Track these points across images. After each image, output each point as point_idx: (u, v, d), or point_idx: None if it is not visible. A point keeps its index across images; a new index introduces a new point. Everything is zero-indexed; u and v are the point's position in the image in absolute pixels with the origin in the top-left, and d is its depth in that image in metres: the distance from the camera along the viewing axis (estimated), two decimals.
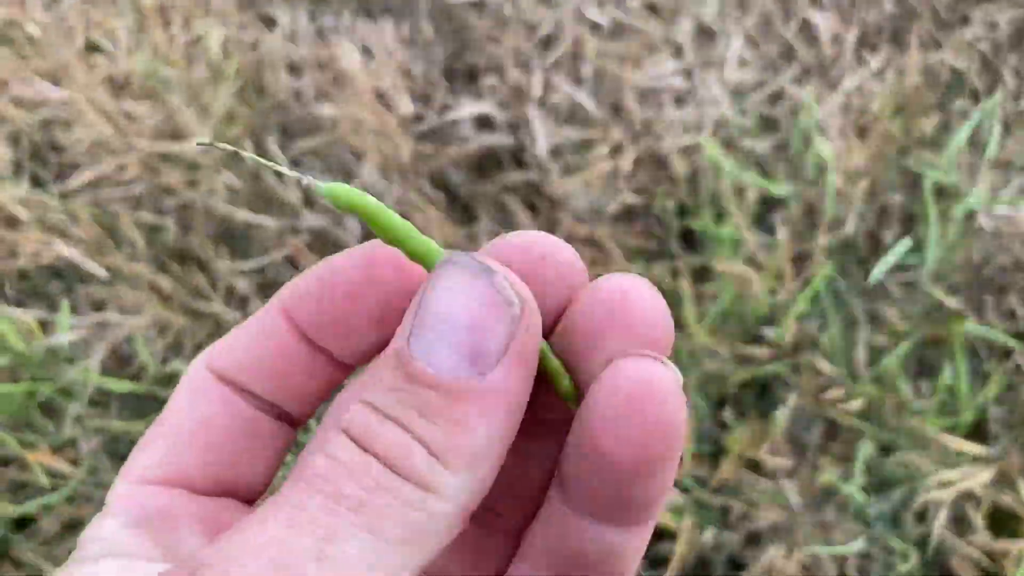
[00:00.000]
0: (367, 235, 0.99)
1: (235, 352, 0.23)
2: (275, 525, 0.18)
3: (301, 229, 0.89)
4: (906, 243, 0.79)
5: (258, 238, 0.93)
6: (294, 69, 1.17)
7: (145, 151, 1.06)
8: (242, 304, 0.93)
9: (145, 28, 1.17)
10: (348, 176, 0.99)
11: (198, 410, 0.23)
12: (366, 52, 1.15)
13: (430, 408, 0.18)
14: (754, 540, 0.90)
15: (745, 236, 0.76)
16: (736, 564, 0.93)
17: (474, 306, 0.18)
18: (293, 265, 0.88)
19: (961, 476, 0.81)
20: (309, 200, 0.95)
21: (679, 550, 0.75)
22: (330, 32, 1.20)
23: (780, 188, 0.81)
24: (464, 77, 1.23)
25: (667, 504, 0.75)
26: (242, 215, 0.91)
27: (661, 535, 0.90)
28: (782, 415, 0.76)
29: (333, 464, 0.18)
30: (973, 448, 0.83)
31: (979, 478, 0.81)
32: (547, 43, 1.12)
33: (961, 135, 0.90)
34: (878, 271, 0.76)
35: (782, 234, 0.92)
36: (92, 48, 1.17)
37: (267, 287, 0.99)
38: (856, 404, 0.81)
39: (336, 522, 0.17)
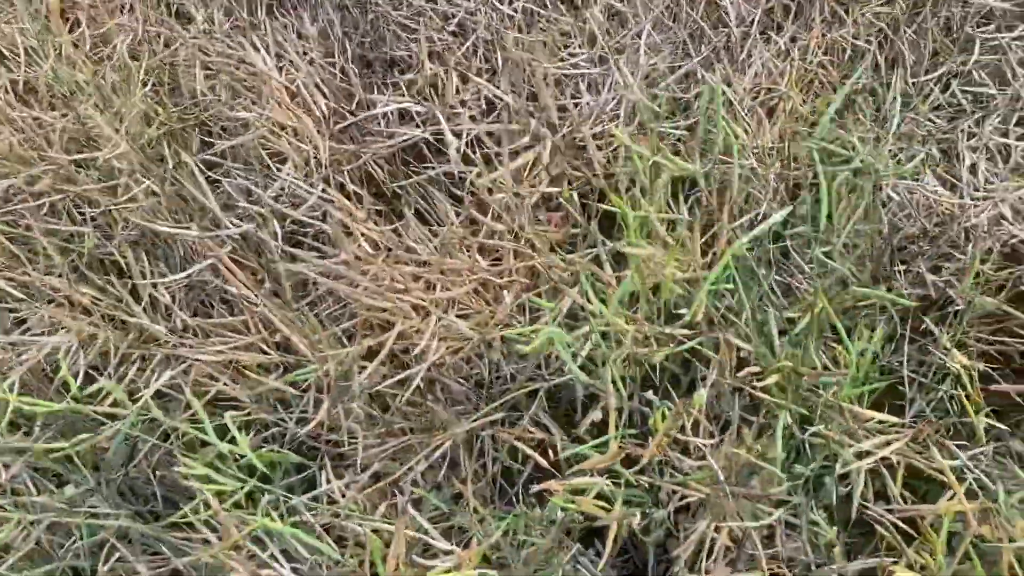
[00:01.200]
0: (295, 242, 0.99)
1: None
2: None
3: (224, 237, 0.88)
4: (785, 211, 0.82)
5: (181, 247, 0.92)
6: (210, 68, 1.15)
7: (59, 160, 1.04)
8: (167, 315, 0.92)
9: (49, 31, 1.13)
10: (269, 178, 0.98)
11: None
12: (281, 48, 1.14)
13: None
14: (684, 515, 0.94)
15: (652, 217, 0.78)
16: (669, 539, 0.97)
17: None
18: (216, 273, 0.88)
19: (877, 444, 0.85)
20: (231, 206, 0.95)
21: (611, 536, 0.78)
22: (246, 28, 1.18)
23: (689, 168, 0.83)
24: (383, 70, 1.22)
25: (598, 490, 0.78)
26: (164, 226, 0.90)
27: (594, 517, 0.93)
28: (702, 394, 0.79)
29: None
30: (886, 417, 0.87)
31: (894, 445, 0.85)
32: (461, 34, 1.12)
33: (832, 108, 0.93)
34: (751, 236, 0.79)
35: (689, 214, 0.94)
36: None
37: (192, 295, 0.98)
38: (772, 379, 0.84)
39: None
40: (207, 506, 0.77)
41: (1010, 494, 0.79)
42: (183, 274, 0.83)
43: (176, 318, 0.84)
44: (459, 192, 1.08)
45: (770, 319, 0.88)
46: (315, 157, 0.91)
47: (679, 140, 1.06)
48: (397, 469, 0.88)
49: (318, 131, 0.94)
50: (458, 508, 0.93)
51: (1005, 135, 1.09)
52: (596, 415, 0.79)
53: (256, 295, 0.80)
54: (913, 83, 1.17)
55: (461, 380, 1.01)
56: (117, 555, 0.98)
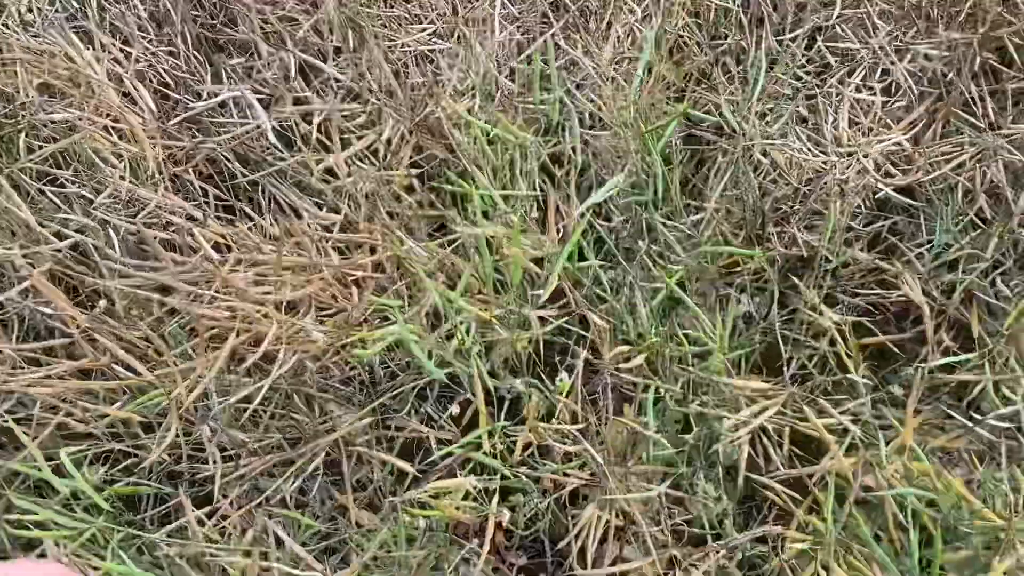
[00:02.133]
0: (135, 253, 0.91)
1: None
2: None
3: (46, 255, 0.80)
4: (617, 179, 0.80)
5: (12, 271, 0.83)
6: (31, 67, 1.05)
7: None
8: None
9: None
10: (99, 185, 0.90)
11: None
12: (116, 37, 1.04)
13: None
14: (571, 502, 0.92)
15: (494, 194, 0.74)
16: (560, 527, 0.94)
17: None
18: (33, 295, 0.80)
19: (753, 412, 0.84)
20: (56, 220, 0.86)
21: (488, 535, 0.74)
22: (67, 22, 1.08)
23: (526, 137, 0.79)
24: (237, 54, 1.14)
25: (461, 489, 0.74)
26: None
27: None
28: (564, 379, 0.76)
29: None
30: (757, 384, 0.86)
31: (767, 412, 0.84)
32: (307, 13, 1.05)
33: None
34: (585, 205, 0.76)
35: (555, 185, 0.91)
36: None
37: (30, 324, 0.90)
38: (638, 360, 0.81)
39: None
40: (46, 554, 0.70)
41: (889, 443, 0.79)
42: (4, 294, 0.75)
43: None
44: (318, 183, 1.01)
45: (637, 296, 0.86)
46: (143, 158, 0.84)
47: (541, 114, 1.02)
48: (268, 488, 0.83)
49: (146, 128, 0.86)
50: (342, 521, 0.88)
51: (870, 90, 1.09)
52: (454, 409, 0.75)
53: (84, 314, 0.73)
54: (779, 41, 1.16)
55: (334, 385, 0.96)
56: None
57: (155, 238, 0.83)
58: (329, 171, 0.95)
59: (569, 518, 0.91)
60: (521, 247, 0.72)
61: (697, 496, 0.87)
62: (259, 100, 0.91)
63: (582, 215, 0.78)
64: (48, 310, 0.72)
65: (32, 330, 0.90)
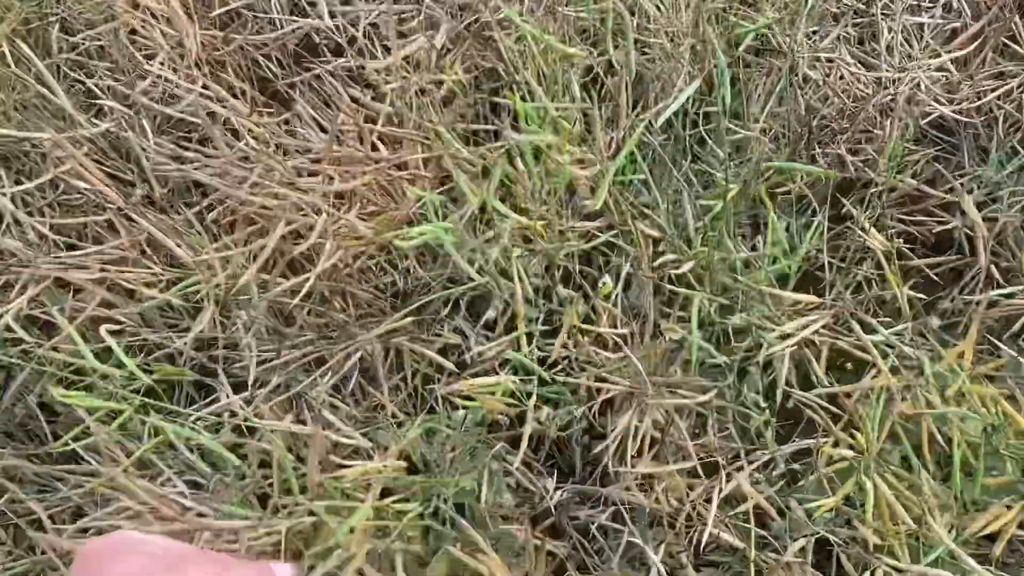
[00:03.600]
0: (162, 131, 0.89)
1: None
2: None
3: (80, 140, 0.78)
4: (695, 85, 0.78)
5: (34, 154, 0.81)
6: None
7: None
8: (21, 231, 0.82)
9: None
10: (139, 76, 0.88)
11: None
12: None
13: None
14: (609, 413, 0.91)
15: (546, 105, 0.72)
16: (594, 436, 0.94)
17: None
18: (79, 178, 0.78)
19: (799, 326, 0.83)
20: (89, 105, 0.84)
21: (526, 432, 0.73)
22: None
23: (577, 53, 0.77)
24: None
25: (505, 390, 0.73)
26: (8, 132, 0.79)
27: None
28: (607, 282, 0.75)
29: None
30: (806, 297, 0.85)
31: (816, 324, 0.83)
32: None
33: None
34: (663, 117, 0.74)
35: (602, 98, 0.89)
36: None
37: (61, 207, 0.89)
38: (687, 267, 0.80)
39: None
40: (88, 433, 0.69)
41: (933, 361, 0.78)
42: (38, 180, 0.73)
43: (30, 229, 0.75)
44: (357, 91, 0.99)
45: (686, 208, 0.84)
46: (187, 47, 0.81)
47: (589, 27, 0.99)
48: (303, 381, 0.82)
49: (189, 17, 0.84)
50: (377, 418, 0.87)
51: (918, 13, 1.07)
52: (492, 312, 0.74)
53: (124, 198, 0.71)
54: None
55: (370, 290, 0.95)
56: (7, 495, 0.90)
57: (203, 136, 0.81)
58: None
59: (606, 428, 0.90)
60: (570, 154, 0.70)
61: (737, 407, 0.87)
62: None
63: (635, 125, 0.76)
64: (86, 185, 0.70)
65: (69, 216, 0.88)
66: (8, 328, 0.72)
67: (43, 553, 0.84)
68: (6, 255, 0.78)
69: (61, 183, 0.84)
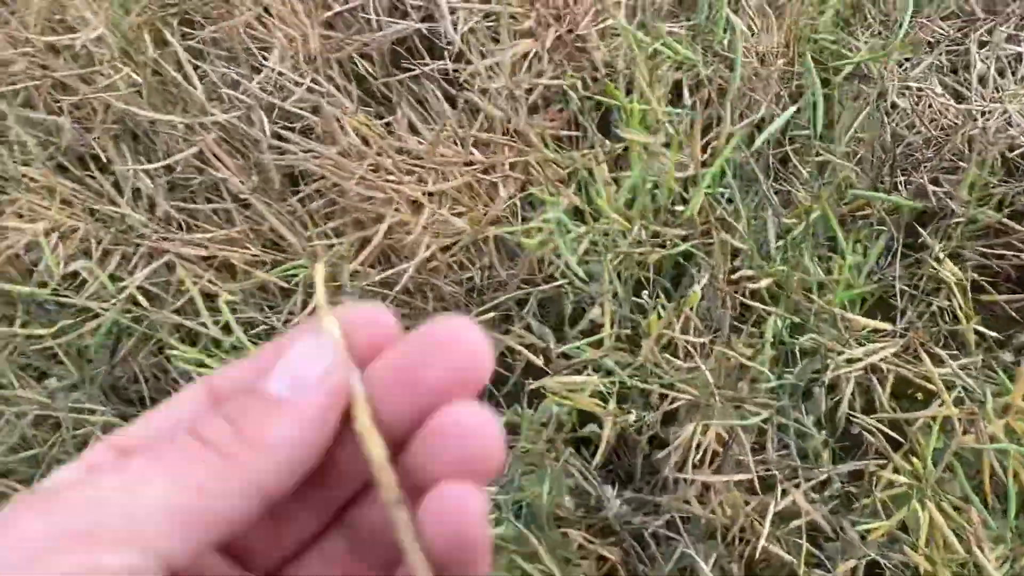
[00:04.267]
0: (278, 132, 0.95)
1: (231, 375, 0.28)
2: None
3: (209, 125, 0.85)
4: (789, 112, 0.80)
5: (163, 136, 0.88)
6: None
7: (34, 44, 0.99)
8: (151, 206, 0.90)
9: None
10: (255, 69, 0.94)
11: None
12: None
13: (252, 409, 0.25)
14: (672, 419, 0.94)
15: (655, 106, 0.75)
16: (657, 443, 0.97)
17: (307, 357, 0.26)
18: (202, 162, 0.84)
19: (868, 351, 0.85)
20: (216, 95, 0.91)
21: (605, 433, 0.77)
22: None
23: (691, 57, 0.80)
24: None
25: (593, 388, 0.77)
26: (145, 112, 0.86)
27: (587, 418, 0.93)
28: (696, 291, 0.78)
29: (168, 444, 0.24)
30: (877, 323, 0.86)
31: (884, 352, 0.85)
32: None
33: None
34: (761, 139, 0.77)
35: (693, 108, 0.92)
36: None
37: (175, 187, 0.95)
38: (764, 283, 0.83)
39: (148, 472, 0.23)
40: None
41: (997, 398, 0.79)
42: (167, 160, 0.80)
43: (159, 208, 0.81)
44: (452, 92, 1.04)
45: (768, 224, 0.87)
46: (304, 46, 0.87)
47: (680, 39, 1.02)
48: None
49: (307, 17, 0.90)
50: None
51: (1017, 44, 1.06)
52: (595, 312, 0.78)
53: (244, 185, 0.77)
54: None
55: (452, 284, 1.00)
56: None
57: (305, 127, 0.87)
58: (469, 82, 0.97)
59: (668, 436, 0.93)
60: (673, 160, 0.73)
61: (798, 425, 0.89)
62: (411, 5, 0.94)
63: (731, 136, 0.78)
64: (220, 175, 0.76)
65: (181, 200, 0.95)
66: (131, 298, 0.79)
67: None
68: (129, 229, 0.85)
69: (179, 164, 0.91)
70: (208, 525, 0.23)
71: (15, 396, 0.94)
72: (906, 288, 0.98)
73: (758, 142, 0.73)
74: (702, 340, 0.79)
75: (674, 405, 0.90)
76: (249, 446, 0.24)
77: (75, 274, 0.93)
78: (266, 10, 1.01)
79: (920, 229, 0.98)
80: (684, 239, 0.87)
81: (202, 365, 0.73)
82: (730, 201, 0.90)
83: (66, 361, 0.90)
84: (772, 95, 0.98)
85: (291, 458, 0.25)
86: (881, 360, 0.86)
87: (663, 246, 0.91)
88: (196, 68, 0.93)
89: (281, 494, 0.25)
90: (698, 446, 0.87)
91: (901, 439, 0.89)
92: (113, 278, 0.82)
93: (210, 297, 0.93)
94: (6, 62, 0.95)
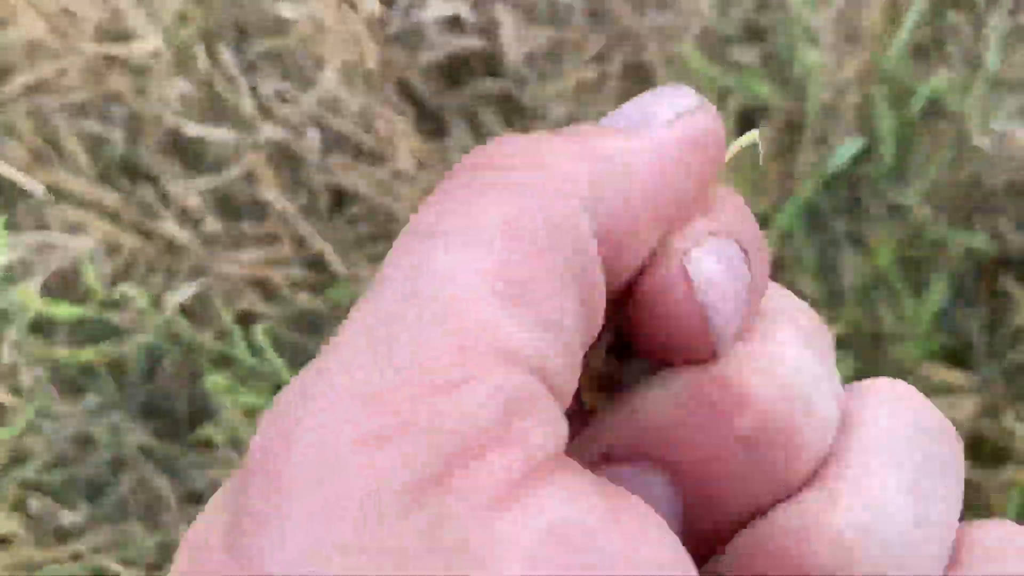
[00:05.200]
0: (327, 150, 0.93)
1: None
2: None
3: (259, 143, 0.83)
4: (858, 141, 0.75)
5: (213, 152, 0.86)
6: None
7: (88, 54, 0.98)
8: (196, 224, 0.87)
9: None
10: (307, 83, 0.92)
11: None
12: None
13: (590, 134, 0.19)
14: None
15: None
16: None
17: (661, 96, 0.20)
18: (251, 181, 0.82)
19: (945, 406, 0.79)
20: (267, 111, 0.89)
21: None
22: None
23: (762, 89, 0.75)
24: None
25: None
26: (195, 127, 0.84)
27: None
28: None
29: None
30: (956, 377, 0.81)
31: (962, 408, 0.79)
32: None
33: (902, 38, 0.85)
34: (831, 165, 0.72)
35: (764, 143, 0.88)
36: None
37: (223, 205, 0.93)
38: (837, 329, 0.78)
39: None
40: (231, 424, 0.73)
41: None
42: (212, 177, 0.78)
43: (204, 224, 0.79)
44: (510, 114, 1.01)
45: (842, 267, 0.82)
46: (359, 63, 0.85)
47: (750, 68, 0.98)
48: None
49: (368, 33, 0.87)
50: None
51: None
52: None
53: (290, 205, 0.75)
54: (1013, 25, 1.07)
55: None
56: (137, 472, 0.95)
57: (357, 144, 0.84)
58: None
59: None
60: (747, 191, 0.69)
61: None
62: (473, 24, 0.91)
63: (801, 176, 0.74)
64: (267, 196, 0.74)
65: (231, 216, 0.93)
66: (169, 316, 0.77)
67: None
68: (173, 249, 0.83)
69: (226, 180, 0.89)
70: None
71: (55, 411, 0.92)
72: (985, 339, 0.92)
73: (826, 176, 0.68)
74: None
75: None
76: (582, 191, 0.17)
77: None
78: (321, 26, 0.99)
79: (1000, 277, 0.92)
80: None
81: (236, 392, 0.70)
82: (805, 235, 0.85)
83: (104, 379, 0.88)
84: (843, 130, 0.94)
85: (633, 208, 0.18)
86: (959, 415, 0.81)
87: None
88: (248, 83, 0.91)
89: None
90: None
91: (977, 496, 0.83)
92: (154, 297, 0.80)
93: (252, 317, 0.91)
94: (61, 71, 0.94)
